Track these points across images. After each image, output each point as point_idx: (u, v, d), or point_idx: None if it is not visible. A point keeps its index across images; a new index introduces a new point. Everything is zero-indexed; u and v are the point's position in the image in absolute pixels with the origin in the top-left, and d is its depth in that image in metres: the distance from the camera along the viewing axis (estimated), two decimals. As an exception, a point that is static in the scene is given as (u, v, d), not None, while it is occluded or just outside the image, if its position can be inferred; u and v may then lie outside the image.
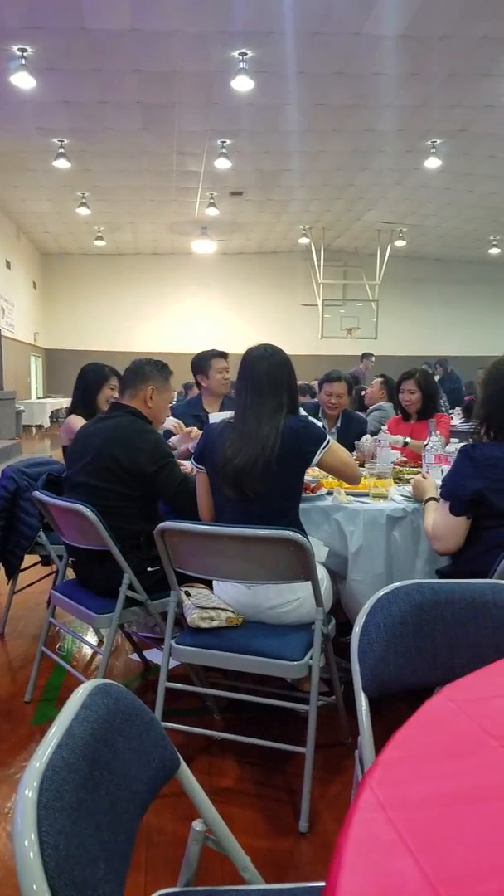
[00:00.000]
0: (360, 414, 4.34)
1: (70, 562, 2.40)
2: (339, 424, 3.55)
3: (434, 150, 8.70)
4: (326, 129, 8.19)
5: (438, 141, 8.52)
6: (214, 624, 1.82)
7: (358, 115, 7.82)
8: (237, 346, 2.25)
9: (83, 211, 11.45)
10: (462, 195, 10.91)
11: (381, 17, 5.78)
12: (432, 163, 8.97)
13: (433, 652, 1.13)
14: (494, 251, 14.58)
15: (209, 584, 2.02)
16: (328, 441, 1.98)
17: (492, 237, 13.65)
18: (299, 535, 1.69)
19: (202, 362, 3.32)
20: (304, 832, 1.64)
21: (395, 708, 1.27)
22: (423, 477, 2.30)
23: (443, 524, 1.85)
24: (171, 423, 2.91)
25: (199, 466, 2.03)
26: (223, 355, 3.31)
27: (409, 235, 13.30)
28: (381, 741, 0.70)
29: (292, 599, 1.90)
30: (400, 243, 13.41)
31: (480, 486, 1.75)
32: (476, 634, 1.15)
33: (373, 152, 9.01)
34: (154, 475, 2.16)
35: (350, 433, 3.44)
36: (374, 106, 7.55)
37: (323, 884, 0.51)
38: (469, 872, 0.52)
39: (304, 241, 13.17)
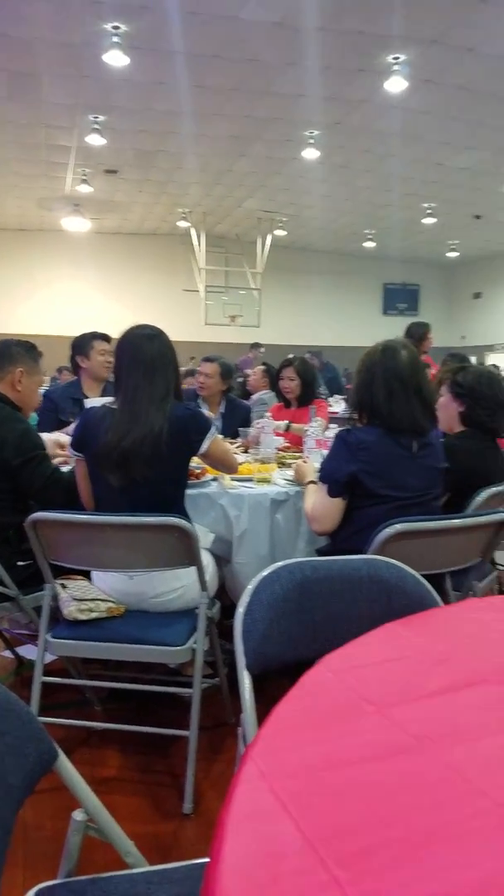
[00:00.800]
0: (245, 402, 4.40)
1: None
2: (222, 410, 3.60)
3: (312, 140, 8.88)
4: (205, 111, 8.12)
5: (315, 132, 8.70)
6: (94, 615, 1.77)
7: (236, 100, 7.82)
8: (116, 329, 2.18)
9: None
10: (338, 188, 11.25)
11: (260, 3, 5.80)
12: (310, 153, 9.17)
13: (314, 627, 1.17)
14: (369, 245, 15.19)
15: (87, 576, 1.97)
16: (213, 430, 2.00)
17: (367, 231, 14.20)
18: (184, 521, 1.69)
19: (83, 343, 3.22)
20: (189, 813, 1.65)
21: (280, 685, 1.31)
22: (304, 462, 2.38)
23: (321, 506, 1.91)
24: (48, 438, 2.61)
25: (78, 454, 1.96)
26: (105, 338, 3.23)
27: (290, 225, 13.54)
28: (264, 718, 0.72)
29: (177, 587, 1.89)
30: (280, 233, 13.63)
31: (355, 469, 1.83)
32: (353, 607, 1.21)
33: (251, 139, 9.06)
34: (19, 468, 2.03)
35: (235, 418, 3.50)
36: (253, 92, 7.58)
37: (207, 860, 0.52)
38: (346, 829, 0.54)
39: (183, 224, 13.03)
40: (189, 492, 2.09)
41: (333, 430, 2.92)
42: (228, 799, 0.58)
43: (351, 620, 1.19)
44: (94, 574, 1.95)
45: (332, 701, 0.76)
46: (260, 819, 0.56)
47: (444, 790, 0.60)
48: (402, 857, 0.51)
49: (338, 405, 6.89)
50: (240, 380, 6.12)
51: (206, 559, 1.97)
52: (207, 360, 3.61)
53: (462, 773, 0.62)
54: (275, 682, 1.41)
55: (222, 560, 2.25)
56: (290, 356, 3.92)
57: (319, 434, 2.80)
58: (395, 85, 6.96)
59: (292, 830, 0.53)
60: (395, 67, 6.76)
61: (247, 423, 3.52)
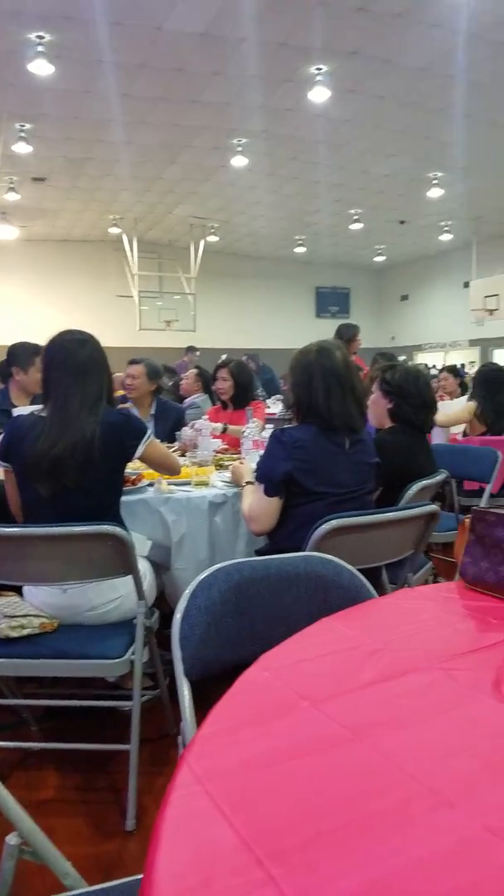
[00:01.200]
0: (178, 404, 4.36)
1: None
2: (153, 412, 3.58)
3: (240, 148, 8.95)
4: (133, 119, 8.07)
5: (243, 140, 8.77)
6: (26, 632, 1.71)
7: (164, 109, 7.80)
8: (48, 337, 2.12)
9: None
10: (268, 195, 11.37)
11: (183, 14, 5.81)
12: (239, 161, 9.24)
13: (252, 627, 1.17)
14: (300, 250, 15.42)
15: (18, 591, 1.90)
16: (150, 434, 1.97)
17: (297, 236, 14.41)
18: (118, 529, 1.66)
19: (24, 356, 3.12)
20: (131, 830, 1.62)
21: (221, 690, 1.30)
22: (241, 462, 2.38)
23: (258, 506, 1.92)
24: None
25: (5, 464, 1.90)
26: None
27: (221, 231, 13.58)
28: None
29: (114, 598, 1.86)
30: (213, 238, 13.66)
31: (290, 468, 1.84)
32: (291, 605, 1.21)
33: (181, 147, 9.05)
34: None
35: (167, 420, 3.49)
36: (180, 101, 7.58)
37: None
38: (281, 825, 0.54)
39: (115, 230, 12.89)
40: (125, 498, 2.05)
41: (270, 431, 2.94)
42: (163, 806, 0.57)
43: (289, 618, 1.20)
44: (26, 588, 1.89)
45: (267, 699, 0.75)
46: (194, 823, 0.55)
47: (377, 779, 0.61)
48: (336, 849, 0.51)
49: (275, 406, 6.94)
50: (176, 383, 6.07)
51: (144, 567, 1.94)
52: (133, 362, 3.58)
53: (395, 760, 0.63)
54: (218, 689, 1.40)
55: (161, 567, 2.22)
56: (224, 357, 3.93)
57: (256, 435, 2.81)
58: (319, 95, 7.10)
59: (227, 831, 0.53)
60: (318, 78, 6.89)
61: (180, 424, 3.50)
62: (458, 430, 4.21)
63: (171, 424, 3.46)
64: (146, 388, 3.55)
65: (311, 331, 13.41)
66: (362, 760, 0.63)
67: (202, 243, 13.27)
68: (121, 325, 12.91)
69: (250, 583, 1.18)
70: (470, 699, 0.74)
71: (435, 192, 10.87)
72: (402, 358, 7.23)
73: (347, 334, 5.46)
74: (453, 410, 4.09)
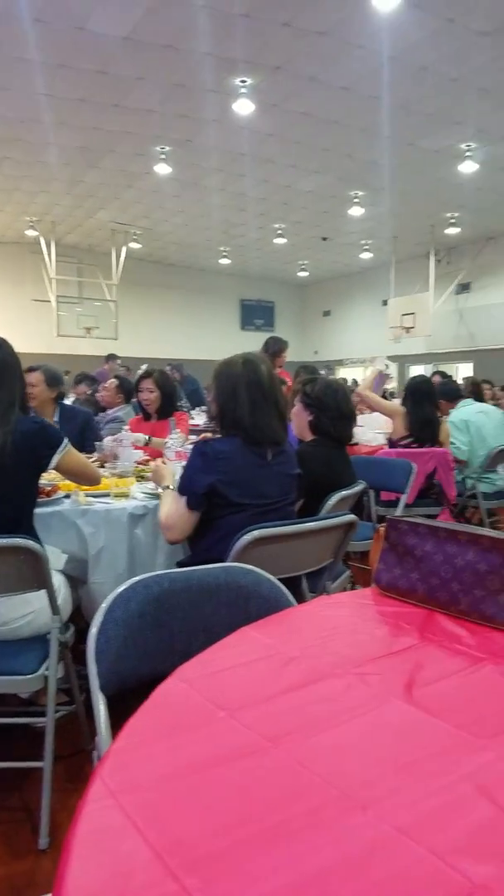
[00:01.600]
0: (85, 409, 4.23)
1: None
2: (56, 418, 3.50)
3: (164, 156, 8.93)
4: (51, 120, 7.89)
5: (167, 148, 8.76)
6: None
7: (85, 112, 7.68)
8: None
9: None
10: (192, 204, 11.39)
11: (106, 16, 5.76)
12: (162, 169, 9.21)
13: (171, 640, 1.16)
14: (225, 262, 15.51)
15: None
16: (66, 443, 1.93)
17: (222, 248, 14.49)
18: (30, 542, 1.61)
19: None
20: (45, 848, 1.56)
21: (139, 704, 1.28)
22: (164, 463, 2.34)
23: (176, 515, 1.90)
24: None
25: None
26: None
27: (144, 239, 13.48)
28: (118, 735, 0.70)
29: (26, 613, 1.80)
30: (135, 245, 13.54)
31: (212, 480, 1.85)
32: (211, 617, 1.21)
33: (102, 151, 8.93)
34: None
35: (72, 425, 3.41)
36: (102, 104, 7.48)
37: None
38: (195, 835, 0.54)
39: (31, 232, 12.54)
40: (39, 510, 1.99)
41: (194, 442, 2.93)
42: (74, 821, 0.55)
43: (209, 629, 1.20)
44: None
45: (183, 710, 0.75)
46: (107, 838, 0.54)
47: (292, 785, 0.62)
48: (249, 856, 0.52)
49: (199, 417, 6.93)
50: (95, 391, 5.92)
51: (58, 581, 1.89)
52: (30, 369, 3.47)
53: (309, 766, 0.64)
54: (136, 701, 1.38)
55: (77, 581, 2.16)
56: (143, 367, 3.89)
57: (179, 446, 2.80)
58: (243, 107, 7.20)
59: (140, 845, 0.52)
60: (243, 90, 6.98)
61: (87, 429, 3.41)
62: (383, 440, 4.36)
63: (77, 430, 3.38)
64: (46, 396, 3.45)
65: (236, 343, 13.53)
66: (277, 767, 0.64)
67: (124, 249, 13.12)
68: (37, 330, 12.55)
69: (170, 595, 1.18)
70: (382, 703, 0.77)
71: (356, 211, 11.22)
72: (323, 371, 7.40)
73: (275, 347, 5.53)
74: (388, 408, 4.21)
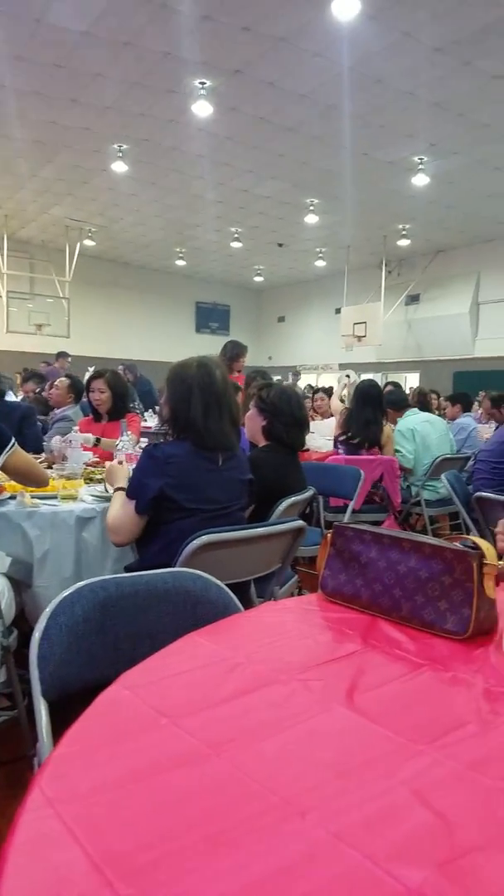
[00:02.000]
0: (18, 401, 4.12)
1: None
2: None
3: (121, 154, 8.84)
4: (6, 113, 7.72)
5: (125, 146, 8.68)
6: None
7: (40, 105, 7.54)
8: None
9: None
10: (148, 204, 11.31)
11: (65, 9, 5.67)
12: (119, 167, 9.12)
13: (115, 646, 1.15)
14: (181, 263, 15.45)
15: None
16: (13, 443, 1.88)
17: (178, 249, 14.43)
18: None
19: None
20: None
21: (83, 710, 1.26)
22: (119, 464, 2.28)
23: (123, 518, 1.88)
24: None
25: None
26: None
27: (99, 236, 13.31)
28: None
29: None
30: (90, 243, 13.35)
31: (162, 484, 1.83)
32: (158, 622, 1.21)
33: (58, 146, 8.78)
34: None
35: (10, 421, 3.32)
36: (59, 98, 7.36)
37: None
38: (134, 847, 0.54)
39: (-18, 226, 12.26)
40: (-17, 512, 1.95)
41: (144, 442, 2.91)
42: (11, 830, 0.55)
43: (156, 635, 1.19)
44: None
45: (126, 718, 0.75)
46: (44, 847, 0.53)
47: (233, 793, 0.62)
48: (188, 866, 0.52)
49: (152, 419, 6.88)
50: (43, 389, 5.79)
51: (1, 584, 1.85)
52: None
53: (250, 773, 0.65)
54: (80, 707, 1.36)
55: (22, 584, 2.12)
56: (102, 368, 3.84)
57: (130, 449, 2.76)
58: (202, 109, 7.19)
59: (78, 855, 0.52)
60: (202, 92, 6.98)
61: (25, 426, 3.31)
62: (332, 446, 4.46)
63: (15, 426, 3.30)
64: None
65: (191, 345, 13.49)
66: (218, 775, 0.64)
67: (78, 246, 12.93)
68: (-14, 326, 12.27)
69: (117, 599, 1.17)
70: (324, 709, 0.78)
71: (311, 219, 11.34)
72: (277, 378, 7.47)
73: (233, 352, 5.54)
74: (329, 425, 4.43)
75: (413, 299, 14.03)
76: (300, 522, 1.98)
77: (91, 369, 3.93)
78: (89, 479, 2.67)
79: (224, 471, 1.95)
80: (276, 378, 6.26)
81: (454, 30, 5.71)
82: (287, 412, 2.48)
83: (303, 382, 14.11)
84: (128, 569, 2.02)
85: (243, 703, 0.78)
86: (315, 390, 7.74)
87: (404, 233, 12.06)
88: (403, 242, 12.46)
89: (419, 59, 6.20)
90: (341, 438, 4.22)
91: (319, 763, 0.68)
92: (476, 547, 1.03)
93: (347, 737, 0.73)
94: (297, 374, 13.29)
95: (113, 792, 0.61)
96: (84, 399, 4.25)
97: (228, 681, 0.83)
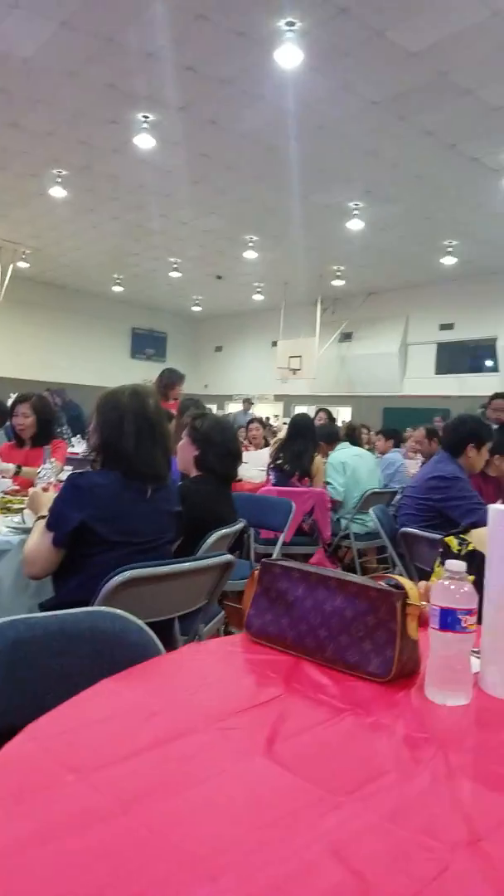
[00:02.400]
0: None
1: None
2: None
3: (60, 179, 8.79)
4: None
5: (64, 172, 8.63)
6: None
7: (-21, 126, 7.45)
8: None
9: None
10: (86, 230, 11.25)
11: (9, 35, 5.64)
12: (57, 192, 9.06)
13: (23, 691, 1.08)
14: (118, 289, 15.38)
15: None
16: None
17: (115, 275, 14.36)
18: None
19: None
20: None
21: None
22: (44, 489, 2.17)
23: (40, 549, 1.80)
24: None
25: None
26: None
27: (34, 259, 13.11)
28: None
29: None
30: (23, 265, 13.12)
31: (84, 516, 1.76)
32: (72, 665, 1.14)
33: (-5, 167, 8.67)
34: None
35: None
36: (-2, 121, 7.29)
37: None
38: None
39: None
40: None
41: (69, 470, 2.81)
42: None
43: (68, 680, 1.12)
44: None
45: (29, 774, 0.69)
46: None
47: (141, 854, 0.58)
48: (85, 945, 0.47)
49: (80, 445, 6.71)
50: None
51: None
52: None
53: (161, 832, 0.61)
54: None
55: None
56: (28, 392, 3.73)
57: (52, 477, 2.65)
58: (144, 141, 7.26)
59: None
60: (144, 125, 7.06)
61: None
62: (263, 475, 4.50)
63: None
64: None
65: (125, 370, 13.35)
66: (126, 836, 0.60)
67: (11, 268, 12.68)
68: None
69: (26, 642, 1.10)
70: (242, 759, 0.75)
71: (250, 255, 11.56)
72: (212, 407, 7.48)
73: (169, 379, 5.50)
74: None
75: (346, 336, 14.45)
76: (229, 557, 1.95)
77: (13, 395, 3.80)
78: (6, 510, 2.55)
79: (153, 502, 1.90)
80: (210, 407, 6.25)
81: (391, 86, 6.01)
82: (220, 442, 2.46)
83: (234, 410, 14.18)
84: (42, 606, 1.91)
85: (158, 755, 0.74)
86: (250, 420, 7.79)
87: (339, 273, 12.45)
88: (338, 282, 12.86)
89: (358, 111, 6.49)
90: (272, 466, 4.37)
91: (234, 819, 0.64)
92: (401, 587, 1.03)
93: (265, 789, 0.70)
94: (249, 402, 13.30)
95: (9, 857, 0.56)
96: (8, 423, 4.10)
97: (143, 731, 0.79)
